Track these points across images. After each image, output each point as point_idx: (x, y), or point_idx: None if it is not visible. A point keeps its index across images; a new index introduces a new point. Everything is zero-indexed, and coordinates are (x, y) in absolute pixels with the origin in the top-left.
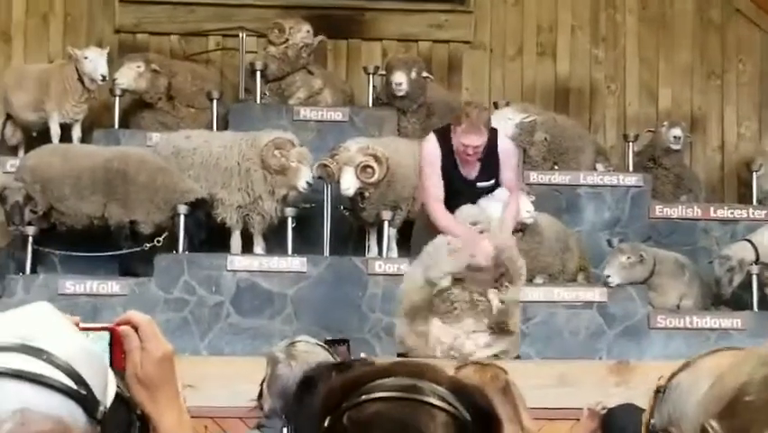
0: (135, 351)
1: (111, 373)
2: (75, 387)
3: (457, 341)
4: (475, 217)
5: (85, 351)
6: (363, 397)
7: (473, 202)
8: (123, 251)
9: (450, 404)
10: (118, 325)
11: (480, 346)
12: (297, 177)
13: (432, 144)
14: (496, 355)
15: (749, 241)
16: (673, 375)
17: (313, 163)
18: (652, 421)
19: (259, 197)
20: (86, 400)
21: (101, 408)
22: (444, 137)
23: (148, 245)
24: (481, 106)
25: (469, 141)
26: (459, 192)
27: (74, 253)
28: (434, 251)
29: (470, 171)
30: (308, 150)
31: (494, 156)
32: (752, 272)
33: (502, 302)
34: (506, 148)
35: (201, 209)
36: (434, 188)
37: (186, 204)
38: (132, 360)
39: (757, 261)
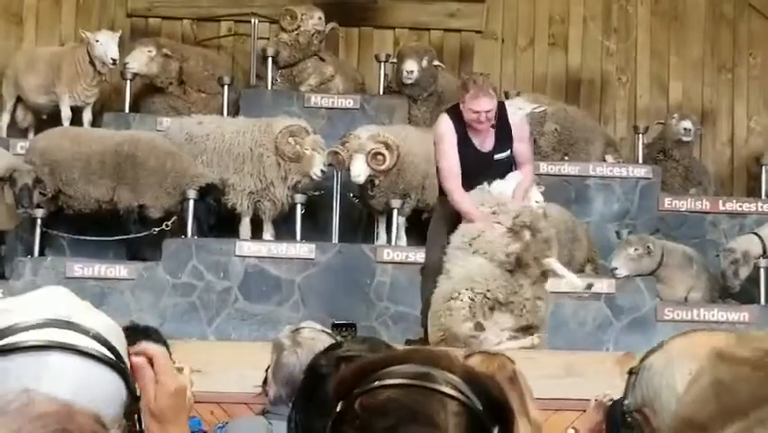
0: (150, 384)
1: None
2: (116, 360)
3: (483, 333)
4: (488, 200)
5: (110, 326)
6: (376, 383)
7: (491, 176)
8: (132, 235)
9: (462, 393)
10: (132, 355)
11: (503, 340)
12: (311, 164)
13: (445, 122)
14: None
15: (756, 234)
16: (646, 357)
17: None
18: (625, 402)
19: (271, 183)
20: (125, 372)
21: (132, 382)
22: (456, 114)
23: (156, 230)
24: (485, 74)
25: (479, 106)
26: (476, 166)
27: (82, 237)
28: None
29: (486, 143)
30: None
31: (506, 127)
32: (759, 266)
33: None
34: (516, 121)
35: (211, 195)
36: (452, 166)
37: (195, 189)
38: (146, 393)
39: (764, 254)
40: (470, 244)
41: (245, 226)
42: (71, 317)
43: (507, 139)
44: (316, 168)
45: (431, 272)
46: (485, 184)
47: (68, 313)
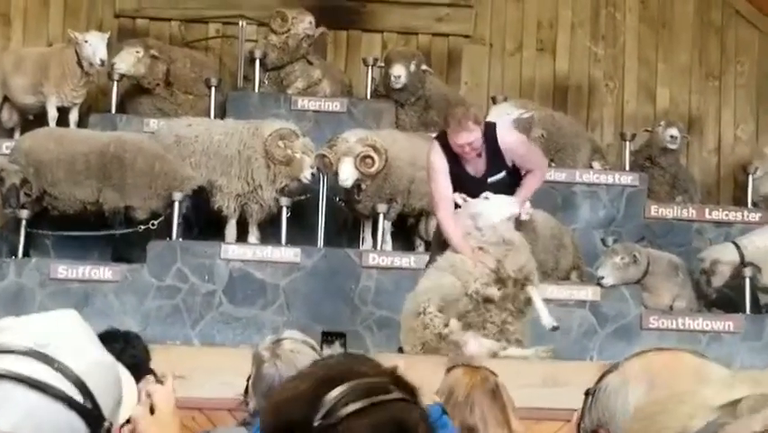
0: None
1: (130, 395)
2: (81, 400)
3: (463, 337)
4: (475, 216)
5: (99, 365)
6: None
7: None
8: (117, 231)
9: None
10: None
11: (486, 348)
12: (301, 168)
13: (435, 150)
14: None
15: (734, 243)
16: (602, 377)
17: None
18: (582, 423)
19: (258, 185)
20: (89, 414)
21: (106, 424)
22: (446, 140)
23: (142, 227)
24: (469, 105)
25: (460, 139)
26: (471, 191)
27: (67, 233)
28: (462, 263)
29: (478, 168)
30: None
31: (498, 149)
32: (744, 275)
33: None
34: (508, 141)
35: (200, 197)
36: (442, 195)
37: (187, 192)
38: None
39: (743, 263)
40: (450, 266)
41: (231, 229)
42: (49, 347)
43: (500, 161)
44: (306, 171)
45: None
46: (473, 205)
47: (48, 342)
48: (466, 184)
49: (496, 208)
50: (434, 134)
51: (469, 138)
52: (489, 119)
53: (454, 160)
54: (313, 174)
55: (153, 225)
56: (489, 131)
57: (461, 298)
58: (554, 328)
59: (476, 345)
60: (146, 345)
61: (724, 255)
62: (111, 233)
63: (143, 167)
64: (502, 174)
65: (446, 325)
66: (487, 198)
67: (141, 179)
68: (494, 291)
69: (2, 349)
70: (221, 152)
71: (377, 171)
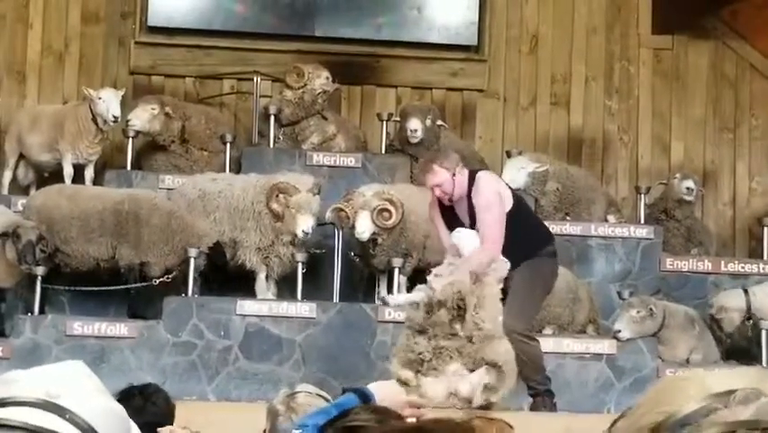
0: None
1: None
2: None
3: (450, 386)
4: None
5: (109, 414)
6: None
7: None
8: (132, 285)
9: None
10: None
11: (474, 384)
12: (294, 224)
13: (430, 203)
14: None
15: (744, 290)
16: (613, 424)
17: (316, 212)
18: None
19: (273, 240)
20: None
21: None
22: None
23: (158, 280)
24: (446, 151)
25: (426, 182)
26: None
27: (82, 288)
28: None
29: (465, 213)
30: (319, 194)
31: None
32: (761, 327)
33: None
34: (477, 187)
35: (217, 252)
36: (441, 239)
37: (203, 249)
38: None
39: (749, 310)
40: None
41: (261, 282)
42: (61, 397)
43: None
44: (299, 228)
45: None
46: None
47: (59, 393)
48: (458, 227)
49: (465, 241)
50: None
51: (433, 180)
52: (505, 171)
53: (446, 207)
54: (305, 232)
55: (168, 278)
56: (471, 180)
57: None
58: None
59: (466, 385)
60: (167, 396)
61: (731, 302)
62: (127, 287)
63: (159, 223)
64: None
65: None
66: (458, 231)
67: (157, 236)
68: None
69: (15, 401)
70: (239, 207)
71: (393, 225)
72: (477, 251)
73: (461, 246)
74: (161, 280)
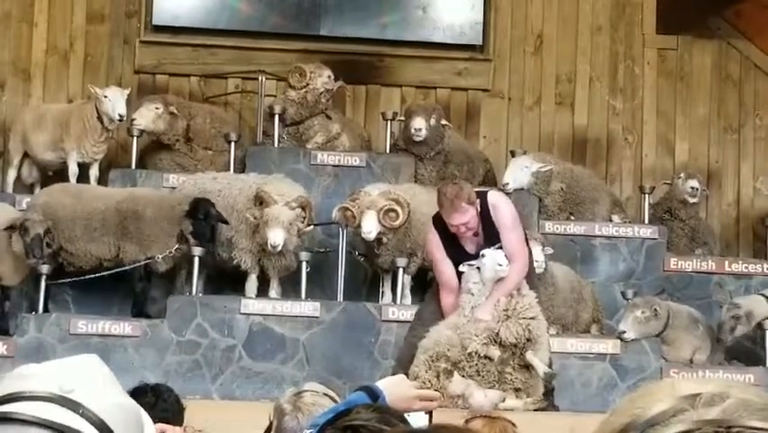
0: None
1: None
2: None
3: (468, 390)
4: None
5: (122, 409)
6: None
7: None
8: (135, 264)
9: None
10: None
11: (490, 400)
12: (264, 235)
13: (431, 234)
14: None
15: (764, 295)
16: None
17: (287, 226)
18: None
19: (261, 245)
20: None
21: None
22: (441, 220)
23: (160, 256)
24: (459, 183)
25: (454, 220)
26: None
27: (88, 277)
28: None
29: (473, 245)
30: (303, 208)
31: (492, 223)
32: (765, 328)
33: (550, 369)
34: (496, 209)
35: (207, 211)
36: (443, 278)
37: (189, 216)
38: None
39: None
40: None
41: (251, 283)
42: (74, 392)
43: (495, 233)
44: (267, 242)
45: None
46: (475, 268)
47: (73, 388)
48: (464, 261)
49: (491, 261)
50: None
51: (462, 219)
52: (509, 171)
53: (452, 239)
54: (272, 246)
55: (171, 252)
56: (483, 202)
57: (460, 357)
58: (549, 376)
59: (481, 396)
60: (178, 396)
61: (759, 308)
62: (131, 267)
63: (153, 213)
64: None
65: (443, 378)
66: (483, 255)
67: (155, 226)
68: (495, 352)
69: (29, 396)
70: (235, 208)
71: (400, 225)
72: (511, 270)
73: (487, 267)
74: (164, 255)
